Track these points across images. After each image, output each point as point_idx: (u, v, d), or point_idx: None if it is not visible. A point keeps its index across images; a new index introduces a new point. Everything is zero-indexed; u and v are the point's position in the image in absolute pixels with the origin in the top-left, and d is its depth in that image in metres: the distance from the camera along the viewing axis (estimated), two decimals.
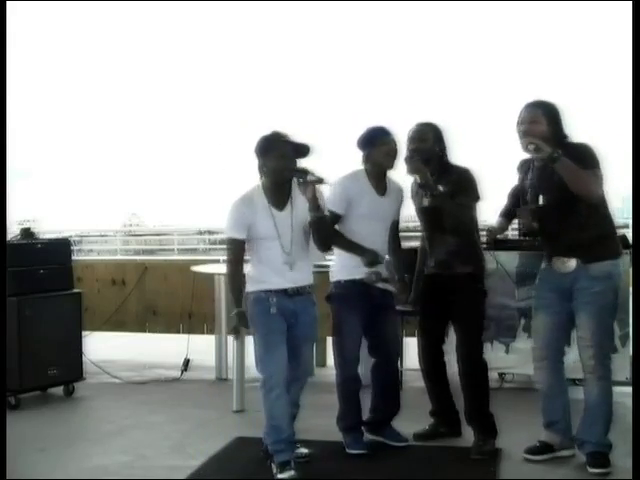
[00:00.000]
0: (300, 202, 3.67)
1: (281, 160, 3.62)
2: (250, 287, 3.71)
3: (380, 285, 3.95)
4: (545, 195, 3.72)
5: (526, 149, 3.62)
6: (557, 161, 3.53)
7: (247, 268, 3.76)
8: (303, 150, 3.68)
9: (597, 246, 3.70)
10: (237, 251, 3.69)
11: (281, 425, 3.63)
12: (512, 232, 4.82)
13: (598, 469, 3.66)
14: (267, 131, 3.70)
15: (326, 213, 3.75)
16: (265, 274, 3.67)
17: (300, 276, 3.70)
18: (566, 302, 3.75)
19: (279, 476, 3.58)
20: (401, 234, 4.27)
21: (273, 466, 3.66)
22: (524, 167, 3.90)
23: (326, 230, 3.74)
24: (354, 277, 3.93)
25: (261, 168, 3.68)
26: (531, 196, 3.79)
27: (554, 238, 3.76)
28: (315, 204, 3.61)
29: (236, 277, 3.70)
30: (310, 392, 3.86)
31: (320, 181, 3.63)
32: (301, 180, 3.60)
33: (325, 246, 3.81)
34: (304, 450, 3.89)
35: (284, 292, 3.66)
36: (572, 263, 3.71)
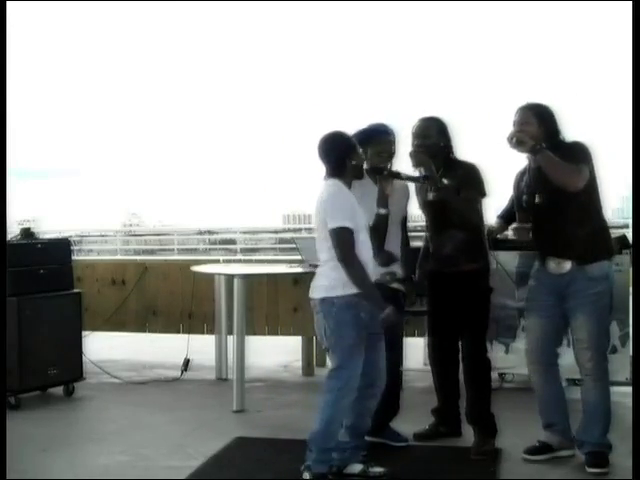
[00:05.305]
0: (365, 199, 3.66)
1: (360, 157, 3.61)
2: (336, 291, 3.45)
3: (395, 285, 3.93)
4: (539, 194, 3.73)
5: (510, 142, 3.63)
6: (539, 153, 3.57)
7: (327, 271, 3.52)
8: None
9: (592, 247, 3.69)
10: (352, 243, 3.43)
11: (336, 433, 3.52)
12: (512, 232, 4.80)
13: (596, 469, 3.66)
14: (331, 131, 3.61)
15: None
16: None
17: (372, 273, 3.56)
18: (560, 304, 3.75)
19: None
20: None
21: (306, 473, 3.48)
22: (521, 176, 3.90)
23: (386, 229, 3.80)
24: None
25: (342, 166, 3.54)
26: (527, 197, 3.80)
27: (548, 238, 3.76)
28: (387, 201, 3.74)
29: (366, 273, 3.43)
30: (310, 392, 3.86)
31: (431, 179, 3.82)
32: (385, 174, 3.77)
33: (382, 246, 3.75)
34: (378, 469, 3.65)
35: None
36: (567, 264, 3.71)
